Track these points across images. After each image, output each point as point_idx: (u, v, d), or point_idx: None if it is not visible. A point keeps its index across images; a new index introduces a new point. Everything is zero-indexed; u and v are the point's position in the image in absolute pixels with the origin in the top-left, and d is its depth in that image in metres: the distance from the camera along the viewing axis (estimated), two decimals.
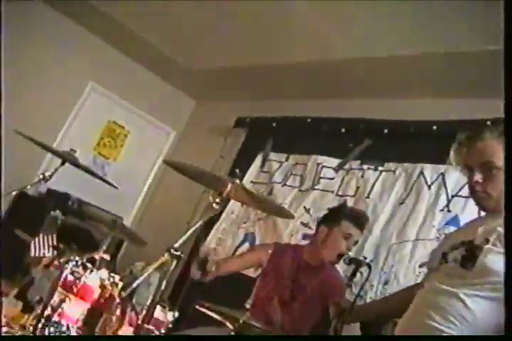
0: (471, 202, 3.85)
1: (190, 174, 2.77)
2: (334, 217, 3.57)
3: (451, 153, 2.40)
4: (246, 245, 5.06)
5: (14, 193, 3.18)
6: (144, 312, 2.16)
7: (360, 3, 3.79)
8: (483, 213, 2.37)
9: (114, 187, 3.76)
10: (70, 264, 2.54)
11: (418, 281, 2.99)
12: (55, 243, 3.11)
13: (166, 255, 2.06)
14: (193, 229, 2.22)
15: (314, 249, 3.61)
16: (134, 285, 2.00)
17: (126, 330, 2.47)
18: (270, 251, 3.74)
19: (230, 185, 2.38)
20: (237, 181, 2.40)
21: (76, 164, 3.45)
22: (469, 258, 2.06)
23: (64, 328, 2.64)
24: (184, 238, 2.15)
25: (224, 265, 3.62)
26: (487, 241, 2.05)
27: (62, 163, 3.44)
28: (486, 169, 2.18)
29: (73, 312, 2.68)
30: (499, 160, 2.14)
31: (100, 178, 3.66)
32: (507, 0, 1.65)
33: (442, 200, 4.08)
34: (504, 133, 1.72)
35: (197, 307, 2.93)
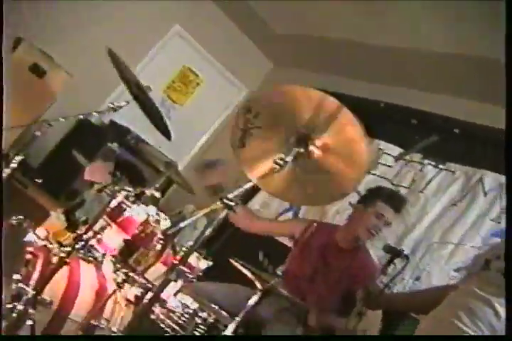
0: None
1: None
2: (370, 196, 3.55)
3: None
4: (289, 214, 5.07)
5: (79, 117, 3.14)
6: (182, 253, 2.19)
7: None
8: None
9: (168, 138, 3.64)
10: (123, 193, 2.59)
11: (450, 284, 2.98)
12: (112, 170, 3.16)
13: (219, 203, 2.07)
14: (250, 184, 2.23)
15: (347, 228, 3.60)
16: (182, 225, 2.02)
17: (159, 267, 2.52)
18: (304, 227, 3.78)
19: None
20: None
21: (145, 104, 3.39)
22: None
23: (98, 254, 2.70)
24: (240, 190, 2.16)
25: (255, 221, 3.74)
26: None
27: (135, 98, 3.43)
28: None
29: (112, 240, 2.74)
30: None
31: (158, 125, 3.52)
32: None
33: (495, 210, 4.04)
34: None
35: (231, 261, 2.97)
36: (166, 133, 3.33)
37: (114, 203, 2.58)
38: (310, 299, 3.27)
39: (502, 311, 2.02)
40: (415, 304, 2.75)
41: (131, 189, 2.62)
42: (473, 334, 2.01)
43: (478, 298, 2.10)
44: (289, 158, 2.21)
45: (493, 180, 4.18)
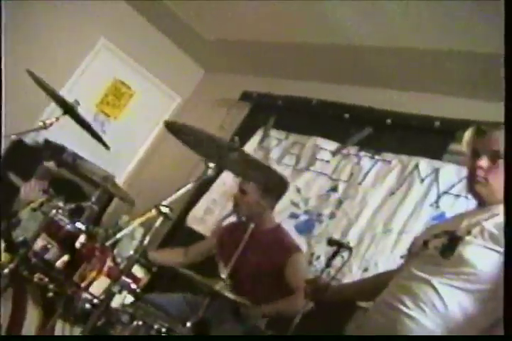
0: (460, 200, 3.94)
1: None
2: None
3: (465, 134, 2.37)
4: (233, 217, 5.08)
5: (12, 138, 3.12)
6: (123, 265, 2.18)
7: None
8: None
9: (106, 147, 3.68)
10: (58, 210, 2.56)
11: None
12: (45, 187, 3.12)
13: (154, 211, 2.07)
14: (184, 189, 2.23)
15: None
16: (118, 236, 2.01)
17: (103, 281, 2.49)
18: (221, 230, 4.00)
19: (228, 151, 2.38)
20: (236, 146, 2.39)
21: (76, 117, 3.39)
22: (449, 247, 2.08)
23: (42, 274, 2.65)
24: (174, 197, 2.16)
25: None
26: (469, 232, 2.08)
27: (64, 113, 3.41)
28: (494, 157, 2.15)
29: (53, 259, 2.70)
30: None
31: (95, 135, 3.54)
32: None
33: (432, 196, 4.12)
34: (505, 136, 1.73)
35: (174, 270, 2.98)
36: (103, 143, 3.37)
37: (50, 220, 2.55)
38: (251, 293, 3.31)
39: (441, 289, 2.05)
40: (366, 291, 2.77)
41: (64, 205, 2.59)
42: (416, 316, 2.04)
43: (417, 278, 2.14)
44: None
45: (427, 166, 4.26)
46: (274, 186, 3.86)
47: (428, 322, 2.02)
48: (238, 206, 3.81)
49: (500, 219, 2.05)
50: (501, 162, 2.12)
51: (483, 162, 2.17)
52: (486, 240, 2.02)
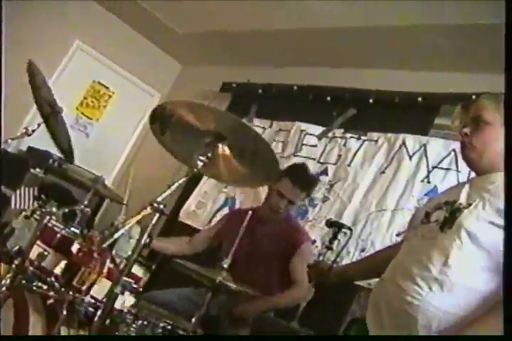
0: (451, 173, 3.95)
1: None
2: (281, 173, 3.62)
3: (454, 113, 2.42)
4: (226, 209, 5.08)
5: None
6: (123, 265, 2.17)
7: None
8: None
9: (71, 162, 3.66)
10: (51, 216, 2.54)
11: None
12: (36, 194, 3.10)
13: (149, 208, 2.06)
14: (176, 184, 2.22)
15: (263, 205, 3.84)
16: (115, 236, 2.00)
17: (104, 283, 2.48)
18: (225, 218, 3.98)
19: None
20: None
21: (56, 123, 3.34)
22: (449, 220, 2.08)
23: (40, 282, 2.64)
24: (167, 192, 2.15)
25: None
26: (469, 204, 2.07)
27: (46, 120, 3.37)
28: (475, 122, 2.19)
29: (51, 265, 2.68)
30: (488, 115, 2.16)
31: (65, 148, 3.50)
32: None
33: (422, 171, 4.13)
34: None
35: (173, 265, 2.97)
36: (70, 156, 3.29)
37: (44, 227, 2.53)
38: (255, 284, 3.32)
39: (443, 265, 2.05)
40: (365, 271, 2.77)
41: (58, 210, 2.58)
42: (421, 293, 2.03)
43: (418, 254, 2.14)
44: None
45: (414, 142, 4.26)
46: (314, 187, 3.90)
47: (434, 299, 2.01)
48: (279, 213, 3.71)
49: (499, 187, 2.06)
50: (484, 125, 2.16)
51: (466, 129, 2.20)
52: (488, 212, 2.02)
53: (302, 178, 3.65)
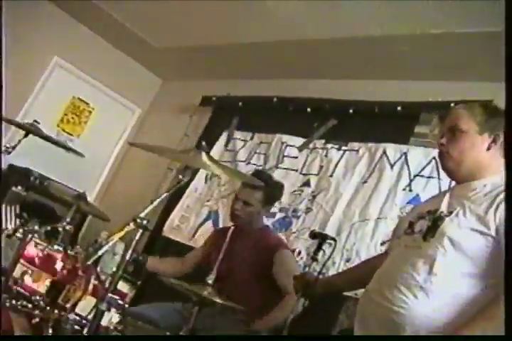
0: (432, 181, 3.98)
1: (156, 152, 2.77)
2: None
3: (431, 126, 2.49)
4: (209, 223, 5.07)
5: None
6: (108, 282, 2.16)
7: None
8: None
9: (81, 155, 3.74)
10: (34, 234, 2.53)
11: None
12: (18, 212, 3.08)
13: (132, 224, 2.06)
14: (159, 199, 2.22)
15: None
16: (99, 253, 1.99)
17: (89, 300, 2.47)
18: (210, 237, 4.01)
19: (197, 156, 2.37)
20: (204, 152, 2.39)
21: (40, 134, 3.38)
22: (432, 229, 2.10)
23: (25, 301, 2.62)
24: (150, 208, 2.15)
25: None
26: (451, 212, 2.10)
27: (26, 135, 3.38)
28: (451, 132, 2.25)
29: (35, 284, 2.67)
30: (463, 124, 2.22)
31: (64, 147, 3.59)
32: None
33: (404, 180, 4.15)
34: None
35: (160, 280, 2.96)
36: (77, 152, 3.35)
37: (26, 246, 2.52)
38: (239, 298, 3.32)
39: (427, 273, 2.07)
40: (351, 282, 2.78)
41: (40, 228, 2.56)
42: (407, 302, 2.04)
43: (402, 265, 2.15)
44: None
45: (395, 151, 4.28)
46: (276, 194, 3.90)
47: (420, 307, 2.03)
48: (238, 217, 3.79)
49: (479, 195, 2.09)
50: (459, 134, 2.22)
51: (443, 139, 2.26)
52: (469, 219, 2.04)
53: (251, 178, 3.65)
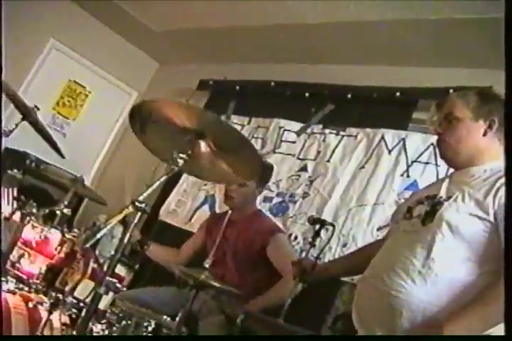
0: (430, 167, 3.98)
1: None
2: None
3: (429, 113, 2.49)
4: (205, 207, 5.07)
5: None
6: (106, 265, 2.15)
7: None
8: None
9: (62, 156, 3.72)
10: (31, 217, 2.52)
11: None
12: (15, 195, 3.07)
13: (130, 207, 2.05)
14: (158, 183, 2.21)
15: None
16: (98, 236, 1.98)
17: (86, 284, 2.47)
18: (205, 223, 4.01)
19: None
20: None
21: (35, 124, 3.35)
22: (431, 213, 2.10)
23: (22, 284, 2.62)
24: (149, 191, 2.14)
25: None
26: (449, 197, 2.10)
27: (23, 119, 3.36)
28: (447, 120, 2.27)
29: (32, 267, 2.67)
30: (458, 111, 2.24)
31: (53, 147, 3.56)
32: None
33: (402, 165, 4.15)
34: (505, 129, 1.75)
35: (157, 264, 2.96)
36: (59, 152, 3.31)
37: (24, 228, 2.51)
38: (240, 281, 3.34)
39: (426, 258, 2.07)
40: (350, 268, 2.79)
41: (38, 211, 2.56)
42: (406, 287, 2.04)
43: (400, 250, 2.16)
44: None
45: (393, 136, 4.28)
46: (267, 174, 3.91)
47: (418, 292, 2.03)
48: (232, 198, 3.82)
49: (478, 180, 2.09)
50: (455, 122, 2.24)
51: (440, 127, 2.29)
52: (468, 204, 2.04)
53: None
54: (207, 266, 2.71)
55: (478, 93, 2.31)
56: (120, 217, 2.03)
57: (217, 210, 4.87)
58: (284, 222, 4.44)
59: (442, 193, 2.16)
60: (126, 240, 2.09)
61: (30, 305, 2.61)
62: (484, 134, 2.21)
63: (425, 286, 2.03)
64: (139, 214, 2.07)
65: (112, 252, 2.10)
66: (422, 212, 2.15)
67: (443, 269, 2.03)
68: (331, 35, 4.66)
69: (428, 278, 2.03)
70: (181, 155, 2.29)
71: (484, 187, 2.06)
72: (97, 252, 2.43)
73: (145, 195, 2.11)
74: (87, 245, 2.02)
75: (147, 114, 2.39)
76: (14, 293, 2.58)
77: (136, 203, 2.06)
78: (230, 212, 3.04)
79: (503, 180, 2.02)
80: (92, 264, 2.41)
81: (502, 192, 1.98)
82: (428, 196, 2.21)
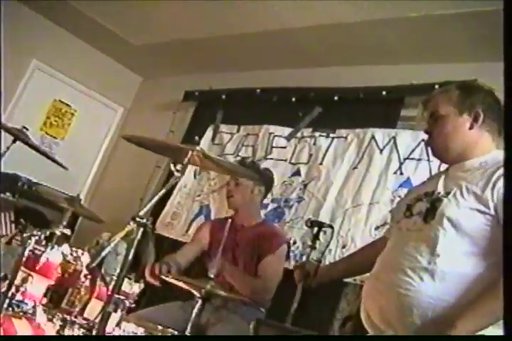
0: (423, 163, 4.00)
1: (149, 147, 2.76)
2: None
3: (417, 111, 2.51)
4: (201, 218, 5.05)
5: None
6: (113, 283, 2.15)
7: None
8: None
9: (64, 168, 3.73)
10: (33, 239, 2.51)
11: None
12: (13, 219, 3.06)
13: (132, 223, 2.05)
14: (157, 197, 2.22)
15: None
16: (102, 254, 1.99)
17: (95, 303, 2.46)
18: (207, 228, 3.95)
19: (190, 152, 2.36)
20: (198, 148, 2.38)
21: (28, 143, 3.37)
22: (431, 210, 2.11)
23: (28, 307, 2.60)
24: (148, 206, 2.15)
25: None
26: (448, 193, 2.11)
27: (14, 141, 3.36)
28: (433, 118, 2.29)
29: (37, 290, 2.65)
30: (441, 108, 2.26)
31: (51, 159, 3.58)
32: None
33: (394, 163, 4.17)
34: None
35: (163, 277, 2.96)
36: (60, 165, 3.34)
37: (27, 252, 2.50)
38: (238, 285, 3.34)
39: (431, 255, 2.08)
40: (352, 269, 2.80)
41: (39, 232, 2.55)
42: (414, 285, 2.05)
43: (405, 248, 2.16)
44: None
45: (383, 135, 4.30)
46: (265, 176, 3.95)
47: (426, 288, 2.03)
48: (232, 197, 3.84)
49: (474, 174, 2.11)
50: (440, 120, 2.25)
51: (427, 126, 2.31)
52: (467, 199, 2.06)
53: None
54: (212, 275, 2.71)
55: (459, 87, 2.32)
56: (122, 234, 2.03)
57: None
58: (281, 227, 4.44)
59: (440, 189, 2.17)
60: (130, 256, 2.09)
61: (37, 327, 2.61)
62: (471, 127, 2.21)
63: (433, 283, 2.04)
64: (141, 229, 2.08)
65: (118, 270, 2.11)
66: (423, 209, 2.16)
67: (449, 265, 2.04)
68: (312, 39, 4.69)
69: (435, 275, 2.03)
70: (178, 167, 2.30)
71: (481, 180, 2.07)
72: (102, 270, 2.43)
73: (145, 210, 2.12)
74: (94, 264, 2.02)
75: None
76: (20, 318, 2.57)
77: (137, 219, 2.07)
78: (230, 220, 3.05)
79: (499, 172, 2.03)
80: (98, 283, 2.40)
81: (500, 184, 2.00)
82: (426, 193, 2.22)
